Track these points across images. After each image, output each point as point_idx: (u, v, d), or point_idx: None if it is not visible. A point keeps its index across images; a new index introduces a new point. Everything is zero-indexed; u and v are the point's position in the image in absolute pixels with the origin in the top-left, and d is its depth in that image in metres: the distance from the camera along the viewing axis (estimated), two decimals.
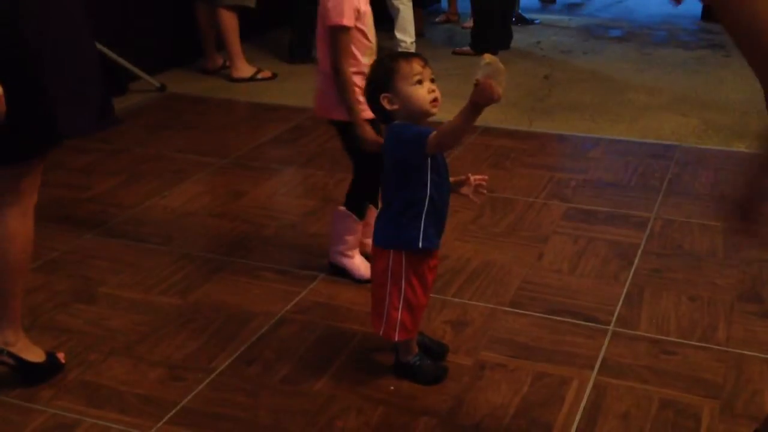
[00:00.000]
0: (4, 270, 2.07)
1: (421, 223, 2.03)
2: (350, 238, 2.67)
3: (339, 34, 2.41)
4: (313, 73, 5.29)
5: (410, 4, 5.48)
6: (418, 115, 2.02)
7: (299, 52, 5.49)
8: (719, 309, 2.53)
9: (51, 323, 2.50)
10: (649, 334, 2.40)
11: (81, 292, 2.67)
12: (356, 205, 2.65)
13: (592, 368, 2.25)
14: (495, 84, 1.80)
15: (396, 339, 2.11)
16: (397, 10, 5.41)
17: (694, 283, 2.68)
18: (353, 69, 2.44)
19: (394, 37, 5.46)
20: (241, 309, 2.54)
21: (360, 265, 2.69)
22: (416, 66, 2.02)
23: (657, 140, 3.96)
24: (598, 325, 2.45)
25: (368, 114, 2.33)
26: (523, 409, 2.09)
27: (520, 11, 6.48)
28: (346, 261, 2.70)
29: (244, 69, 5.04)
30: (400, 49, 5.54)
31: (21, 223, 2.06)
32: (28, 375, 2.18)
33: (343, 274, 2.71)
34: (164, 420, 2.06)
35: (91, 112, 4.12)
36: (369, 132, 2.45)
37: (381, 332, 2.11)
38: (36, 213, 2.07)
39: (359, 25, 2.45)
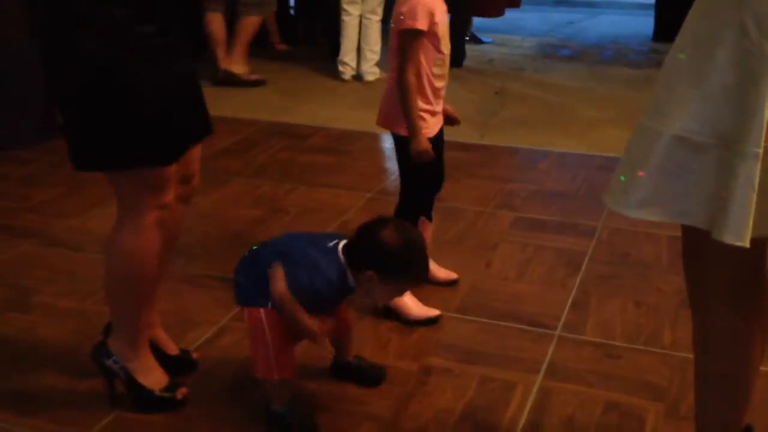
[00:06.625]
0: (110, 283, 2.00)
1: None
2: None
3: (410, 38, 2.26)
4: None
5: (378, 25, 5.17)
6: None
7: None
8: (664, 314, 2.53)
9: None
10: (595, 339, 2.39)
11: (16, 301, 2.58)
12: None
13: (538, 372, 2.23)
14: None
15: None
16: (365, 26, 5.12)
17: (640, 290, 2.68)
18: (417, 76, 2.30)
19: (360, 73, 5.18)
20: (182, 317, 2.47)
21: (411, 305, 2.46)
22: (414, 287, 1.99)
23: (604, 153, 3.99)
24: (545, 330, 2.43)
25: (427, 130, 2.32)
26: (468, 413, 2.06)
27: (473, 31, 6.54)
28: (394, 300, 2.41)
29: (242, 66, 5.18)
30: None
31: (132, 237, 1.92)
32: (137, 399, 2.04)
33: (392, 315, 2.45)
34: (96, 429, 1.98)
35: (32, 122, 4.02)
36: (424, 142, 2.31)
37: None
38: None
39: (434, 32, 2.29)
